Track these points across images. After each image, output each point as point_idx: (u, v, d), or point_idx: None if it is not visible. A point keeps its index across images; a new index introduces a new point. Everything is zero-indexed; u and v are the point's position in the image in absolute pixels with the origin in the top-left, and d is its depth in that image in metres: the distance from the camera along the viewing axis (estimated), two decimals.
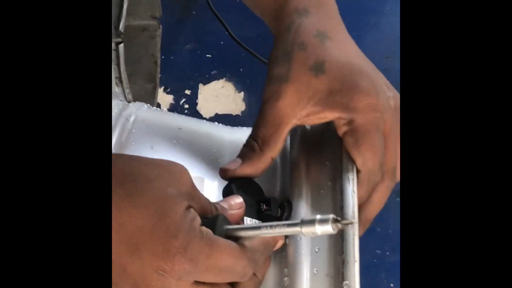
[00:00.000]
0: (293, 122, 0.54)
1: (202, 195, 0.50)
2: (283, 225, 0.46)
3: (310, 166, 0.57)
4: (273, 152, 0.54)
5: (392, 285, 1.21)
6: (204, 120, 0.68)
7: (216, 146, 0.60)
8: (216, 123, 0.68)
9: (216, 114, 1.34)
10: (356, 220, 0.50)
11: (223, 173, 0.54)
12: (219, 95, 1.36)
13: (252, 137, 0.55)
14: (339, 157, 0.55)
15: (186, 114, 1.35)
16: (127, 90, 1.20)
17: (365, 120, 0.53)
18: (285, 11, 0.56)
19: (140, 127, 0.62)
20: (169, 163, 0.49)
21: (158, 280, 0.45)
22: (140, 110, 0.65)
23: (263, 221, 0.54)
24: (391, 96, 0.55)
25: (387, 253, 1.22)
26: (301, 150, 0.58)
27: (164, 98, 1.36)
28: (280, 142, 0.54)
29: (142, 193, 0.45)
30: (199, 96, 1.36)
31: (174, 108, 1.35)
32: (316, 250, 0.52)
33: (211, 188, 0.57)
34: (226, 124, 1.27)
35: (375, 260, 1.22)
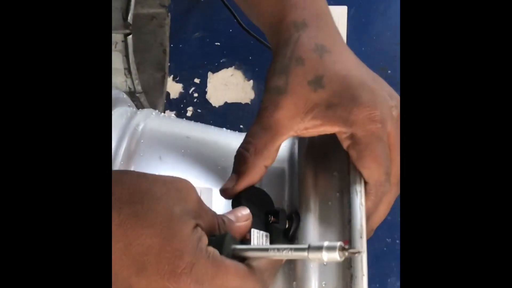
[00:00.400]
0: (289, 134, 0.54)
1: (209, 210, 0.50)
2: (290, 249, 0.47)
3: (318, 176, 0.57)
4: (266, 161, 0.55)
5: None
6: (212, 127, 0.68)
7: (224, 154, 0.60)
8: (224, 129, 0.68)
9: (226, 103, 1.34)
10: (364, 242, 0.50)
11: (224, 194, 0.55)
12: (228, 84, 1.36)
13: (243, 147, 0.55)
14: (346, 168, 0.55)
15: (196, 103, 1.35)
16: (136, 81, 1.20)
17: (366, 132, 0.53)
18: (284, 24, 0.56)
19: (148, 136, 0.62)
20: (175, 180, 0.49)
21: None
22: (148, 118, 0.65)
23: (270, 233, 0.54)
24: (393, 106, 0.55)
25: (397, 241, 1.23)
26: (309, 159, 0.58)
27: (174, 87, 1.36)
28: (273, 152, 0.54)
29: (149, 213, 0.46)
30: (208, 84, 1.36)
31: (184, 97, 1.35)
32: (325, 263, 0.52)
33: (220, 199, 0.57)
34: (236, 113, 1.28)
35: (385, 249, 1.23)
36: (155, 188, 0.47)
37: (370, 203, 0.54)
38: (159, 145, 0.61)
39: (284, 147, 0.60)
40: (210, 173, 0.59)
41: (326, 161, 0.58)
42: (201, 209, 0.49)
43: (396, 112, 0.55)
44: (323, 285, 0.51)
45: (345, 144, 0.54)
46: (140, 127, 0.63)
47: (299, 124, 0.54)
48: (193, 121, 0.68)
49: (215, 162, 0.61)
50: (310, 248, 0.46)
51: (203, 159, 0.61)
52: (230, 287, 0.46)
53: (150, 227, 0.45)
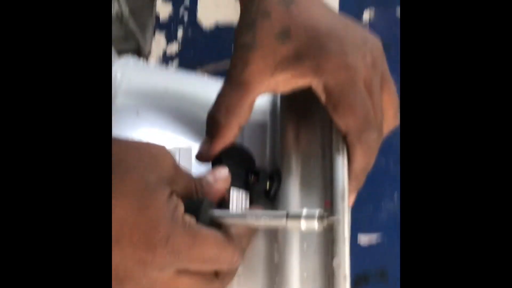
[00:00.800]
0: (260, 89, 0.53)
1: (186, 174, 0.49)
2: (269, 216, 0.46)
3: (301, 132, 0.56)
4: (239, 120, 0.53)
5: (395, 194, 1.22)
6: (192, 75, 0.66)
7: (205, 107, 0.58)
8: (205, 78, 0.66)
9: (217, 27, 1.31)
10: (346, 205, 0.49)
11: (200, 159, 0.54)
12: (219, 4, 1.32)
13: (214, 108, 0.54)
14: (328, 125, 0.53)
15: (186, 27, 1.31)
16: (123, 5, 1.16)
17: (337, 81, 0.52)
18: None
19: (125, 89, 0.60)
20: (149, 146, 0.48)
21: (140, 272, 0.45)
22: (126, 68, 0.62)
23: (251, 193, 0.53)
24: (366, 50, 0.53)
25: (391, 164, 1.22)
26: (290, 114, 0.56)
27: (163, 8, 1.32)
28: (246, 110, 0.53)
29: (122, 183, 0.45)
30: (199, 5, 1.32)
31: (172, 20, 1.32)
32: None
33: None
34: (227, 36, 1.24)
35: (379, 170, 1.23)
36: (128, 156, 0.46)
37: (359, 153, 0.52)
38: (137, 99, 0.59)
39: (266, 99, 0.59)
40: (189, 131, 0.58)
41: (309, 116, 0.56)
42: (177, 174, 0.48)
43: (370, 57, 0.53)
44: (305, 247, 0.51)
45: (322, 98, 0.52)
46: (117, 80, 0.60)
47: (269, 79, 0.52)
48: (172, 69, 0.65)
49: (195, 118, 0.59)
50: (288, 216, 0.45)
51: (182, 113, 0.59)
52: (208, 256, 0.46)
53: (123, 198, 0.44)
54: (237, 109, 0.53)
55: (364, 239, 1.19)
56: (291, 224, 0.45)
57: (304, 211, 0.45)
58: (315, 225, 0.44)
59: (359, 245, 1.19)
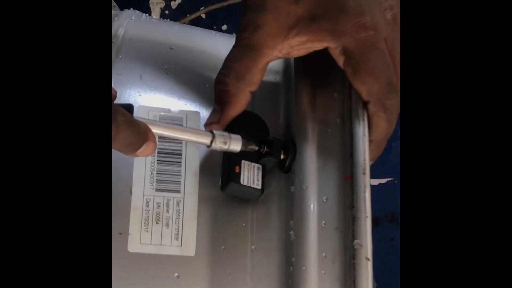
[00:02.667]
0: (273, 54, 0.49)
1: None
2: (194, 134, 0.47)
3: (317, 98, 0.51)
4: (250, 87, 0.50)
5: None
6: (199, 29, 0.61)
7: (213, 67, 0.54)
8: (212, 32, 0.61)
9: None
10: (367, 179, 0.46)
11: (209, 130, 0.49)
12: None
13: (222, 73, 0.50)
14: (347, 91, 0.49)
15: None
16: None
17: (357, 43, 0.47)
18: None
19: (127, 50, 0.55)
20: None
21: None
22: (128, 24, 0.58)
23: (263, 165, 0.50)
24: (387, 7, 0.50)
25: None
26: (306, 77, 0.52)
27: None
28: (257, 75, 0.49)
29: None
30: None
31: None
32: (324, 200, 0.48)
33: None
34: None
35: None
36: None
37: (383, 122, 0.49)
38: (140, 60, 0.55)
39: (278, 60, 0.54)
40: (197, 94, 0.54)
41: (325, 79, 0.51)
42: None
43: (390, 14, 0.50)
44: (323, 225, 0.47)
45: (340, 61, 0.48)
46: (119, 40, 0.56)
47: (283, 42, 0.48)
48: (177, 23, 0.60)
49: (202, 79, 0.55)
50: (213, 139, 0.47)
51: (189, 76, 0.54)
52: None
53: None
54: (247, 75, 0.49)
55: (374, 183, 1.17)
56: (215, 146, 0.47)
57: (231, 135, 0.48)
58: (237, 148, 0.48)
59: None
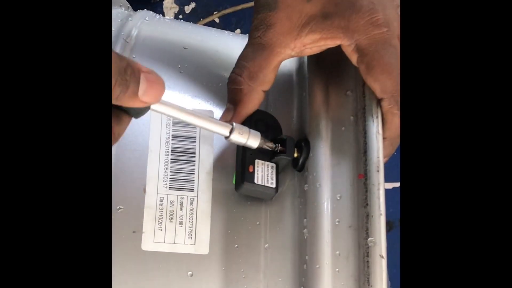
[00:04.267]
0: (286, 53, 0.49)
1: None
2: (213, 123, 0.47)
3: (330, 96, 0.51)
4: (263, 86, 0.50)
5: None
6: (213, 30, 0.61)
7: (226, 66, 0.54)
8: (226, 32, 0.61)
9: None
10: (381, 177, 0.45)
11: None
12: None
13: (235, 72, 0.50)
14: (361, 89, 0.49)
15: None
16: None
17: (370, 40, 0.47)
18: None
19: (141, 49, 0.56)
20: None
21: None
22: (141, 24, 0.58)
23: (277, 163, 0.50)
24: (399, 4, 0.49)
25: None
26: (319, 75, 0.52)
27: None
28: (270, 74, 0.49)
29: None
30: None
31: None
32: (338, 197, 0.48)
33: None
34: None
35: None
36: None
37: (397, 119, 0.48)
38: (153, 59, 0.55)
39: (292, 58, 0.54)
40: (210, 93, 0.54)
41: (338, 77, 0.51)
42: None
43: None
44: (337, 223, 0.47)
45: (354, 59, 0.48)
46: (133, 40, 0.56)
47: (295, 40, 0.48)
48: (191, 24, 0.61)
49: (215, 78, 0.55)
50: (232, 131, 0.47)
51: (202, 75, 0.55)
52: None
53: None
54: (260, 74, 0.49)
55: (388, 186, 1.16)
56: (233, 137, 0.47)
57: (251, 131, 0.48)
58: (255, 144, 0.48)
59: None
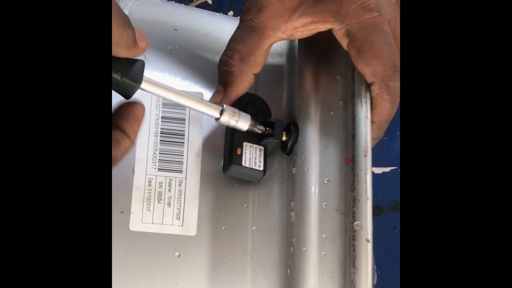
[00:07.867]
0: (277, 35, 0.49)
1: None
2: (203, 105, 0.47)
3: (320, 81, 0.51)
4: (254, 68, 0.50)
5: None
6: (204, 12, 0.61)
7: (217, 49, 0.54)
8: (217, 14, 0.61)
9: None
10: (369, 161, 0.46)
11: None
12: None
13: (226, 54, 0.50)
14: (350, 74, 0.49)
15: None
16: None
17: (361, 24, 0.48)
18: None
19: None
20: None
21: None
22: (132, 5, 0.57)
23: (265, 146, 0.50)
24: None
25: None
26: (309, 59, 0.52)
27: None
28: (260, 57, 0.50)
29: None
30: None
31: None
32: (326, 181, 0.48)
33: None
34: None
35: None
36: None
37: (387, 103, 0.49)
38: None
39: (282, 41, 0.54)
40: (200, 75, 0.54)
41: (328, 62, 0.52)
42: None
43: None
44: (324, 206, 0.48)
45: (344, 43, 0.48)
46: None
47: (286, 23, 0.48)
48: (182, 5, 0.60)
49: (206, 60, 0.55)
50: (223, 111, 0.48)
51: (193, 58, 0.55)
52: None
53: None
54: (251, 56, 0.49)
55: (378, 171, 1.17)
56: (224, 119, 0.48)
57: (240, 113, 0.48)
58: (244, 127, 0.48)
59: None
